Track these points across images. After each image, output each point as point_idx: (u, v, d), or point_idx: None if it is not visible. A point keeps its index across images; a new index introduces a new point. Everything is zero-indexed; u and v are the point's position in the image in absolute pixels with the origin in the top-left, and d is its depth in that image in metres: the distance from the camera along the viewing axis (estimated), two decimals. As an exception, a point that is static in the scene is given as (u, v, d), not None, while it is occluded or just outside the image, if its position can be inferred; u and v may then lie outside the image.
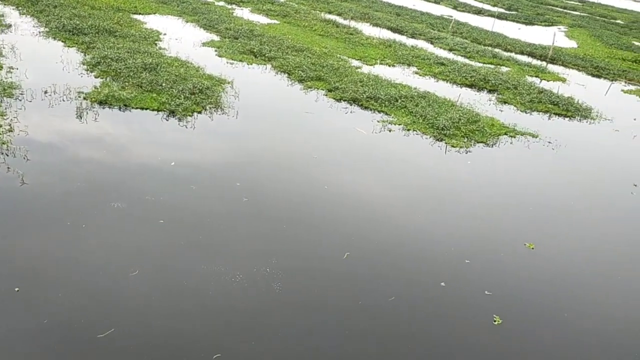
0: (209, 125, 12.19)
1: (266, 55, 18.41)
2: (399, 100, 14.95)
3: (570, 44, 30.88)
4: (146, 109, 12.45)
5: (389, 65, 19.94)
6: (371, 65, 19.62)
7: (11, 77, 12.99)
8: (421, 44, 25.08)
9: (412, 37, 26.63)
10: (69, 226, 7.88)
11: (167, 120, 12.11)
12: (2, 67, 13.58)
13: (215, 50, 18.60)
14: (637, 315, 7.83)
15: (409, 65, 20.31)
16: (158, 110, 12.44)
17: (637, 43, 33.90)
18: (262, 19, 25.95)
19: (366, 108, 14.56)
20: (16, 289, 6.59)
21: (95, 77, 13.97)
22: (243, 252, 7.89)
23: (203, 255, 7.68)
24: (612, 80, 22.86)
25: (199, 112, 12.68)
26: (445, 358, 6.53)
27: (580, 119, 16.41)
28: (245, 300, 6.99)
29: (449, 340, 6.82)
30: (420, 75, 19.11)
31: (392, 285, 7.61)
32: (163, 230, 8.16)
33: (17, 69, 13.70)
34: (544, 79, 20.96)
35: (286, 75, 16.76)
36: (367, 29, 27.04)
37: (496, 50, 25.27)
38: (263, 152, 11.32)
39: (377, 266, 8.01)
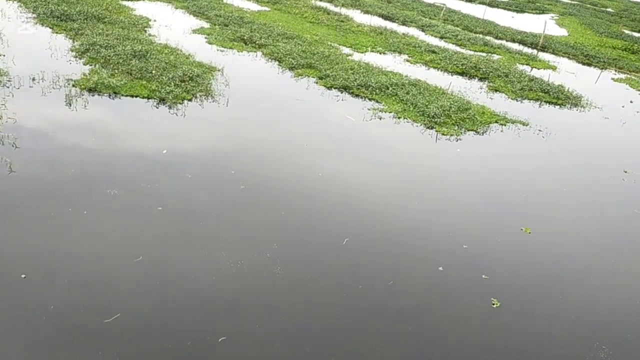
0: (200, 113, 12.11)
1: (256, 42, 18.30)
2: (390, 88, 14.93)
3: (561, 32, 30.93)
4: (136, 96, 12.35)
5: (380, 53, 19.89)
6: (362, 52, 19.56)
7: (-2, 64, 12.83)
8: (412, 31, 25.02)
9: (403, 24, 26.56)
10: (67, 213, 7.81)
11: (158, 107, 12.02)
12: (-12, 54, 13.43)
13: (205, 37, 18.46)
14: (631, 294, 7.94)
15: (400, 52, 20.26)
16: (148, 98, 12.34)
17: (627, 31, 34.01)
18: (252, 6, 25.76)
19: (357, 96, 14.53)
20: (23, 276, 6.57)
21: (84, 64, 13.82)
22: (243, 238, 7.91)
23: (204, 242, 7.69)
24: (602, 69, 22.95)
25: (190, 100, 12.59)
26: (444, 341, 6.60)
27: (570, 107, 16.48)
28: (248, 284, 7.03)
29: (447, 323, 6.88)
30: (411, 63, 19.08)
31: (391, 270, 7.66)
32: (163, 217, 8.14)
33: (4, 55, 13.52)
34: (535, 67, 21.01)
35: (277, 62, 16.67)
36: (358, 16, 26.93)
37: (487, 38, 25.26)
38: (254, 140, 11.28)
39: (376, 251, 8.06)
